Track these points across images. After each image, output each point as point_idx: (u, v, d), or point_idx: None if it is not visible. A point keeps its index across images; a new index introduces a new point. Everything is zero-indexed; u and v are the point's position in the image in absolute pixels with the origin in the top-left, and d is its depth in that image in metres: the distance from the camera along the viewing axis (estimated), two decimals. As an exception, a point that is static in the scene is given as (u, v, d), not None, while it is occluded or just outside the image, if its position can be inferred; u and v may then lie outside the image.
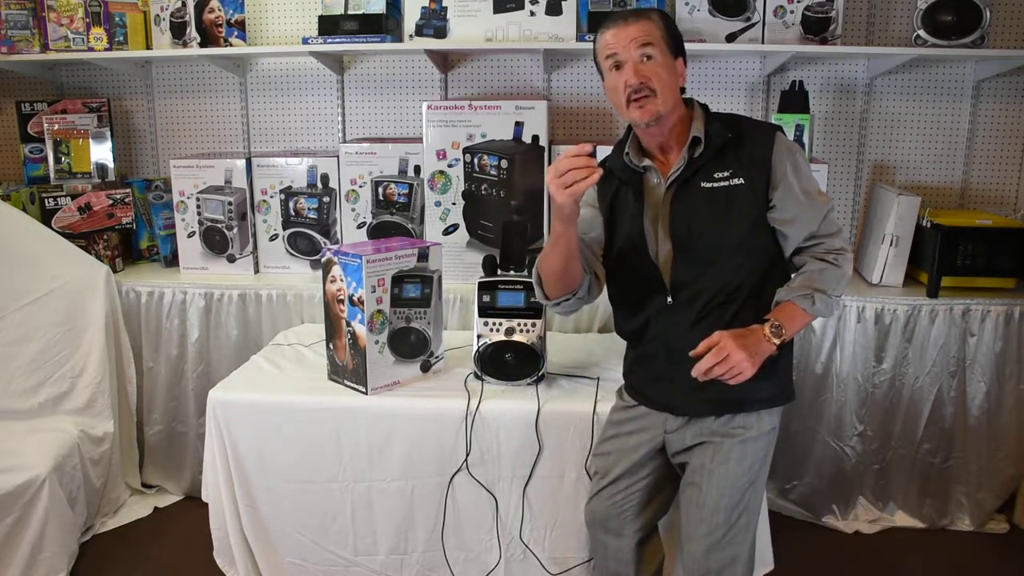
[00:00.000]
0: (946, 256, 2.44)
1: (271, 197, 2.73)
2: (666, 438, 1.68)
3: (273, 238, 2.76)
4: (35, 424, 2.42)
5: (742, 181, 1.53)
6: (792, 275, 1.62)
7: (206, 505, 2.12)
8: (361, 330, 1.97)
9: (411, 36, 2.62)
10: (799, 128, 2.50)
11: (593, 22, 2.53)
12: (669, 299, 1.61)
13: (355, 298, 1.97)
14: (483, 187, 2.56)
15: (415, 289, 2.05)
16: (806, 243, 1.59)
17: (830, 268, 1.56)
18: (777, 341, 1.49)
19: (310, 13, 2.83)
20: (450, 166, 2.57)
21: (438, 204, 2.61)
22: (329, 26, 2.59)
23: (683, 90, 1.61)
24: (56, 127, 2.84)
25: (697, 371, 1.45)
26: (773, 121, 2.52)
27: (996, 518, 2.59)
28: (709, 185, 1.54)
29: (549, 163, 2.54)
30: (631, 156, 1.64)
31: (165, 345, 2.67)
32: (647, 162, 1.62)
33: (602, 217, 1.71)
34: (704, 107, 1.63)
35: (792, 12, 2.51)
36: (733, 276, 1.56)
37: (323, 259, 2.06)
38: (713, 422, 1.61)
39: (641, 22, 1.53)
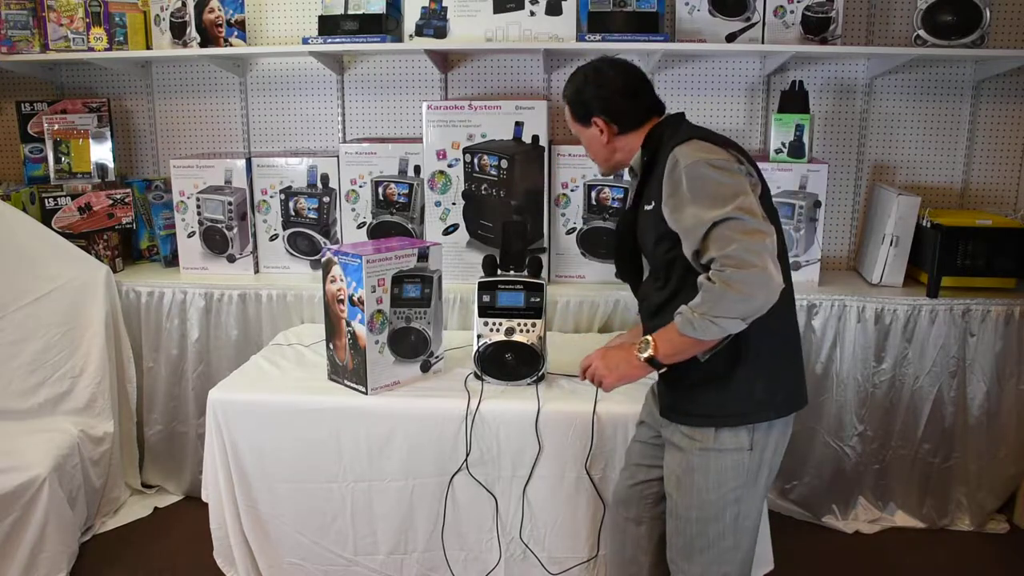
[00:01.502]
0: (946, 256, 2.44)
1: (271, 197, 2.73)
2: (661, 430, 1.69)
3: (273, 238, 2.76)
4: (35, 424, 2.42)
5: (653, 205, 1.56)
6: None
7: (206, 505, 2.12)
8: (361, 330, 1.97)
9: (411, 36, 2.62)
10: (799, 128, 2.50)
11: (593, 22, 2.53)
12: (639, 313, 1.74)
13: (355, 298, 1.97)
14: (483, 187, 2.56)
15: (415, 289, 2.05)
16: (703, 260, 1.43)
17: (704, 286, 1.39)
18: (642, 356, 1.50)
19: (310, 13, 2.83)
20: (450, 166, 2.57)
21: (438, 204, 2.61)
22: (329, 26, 2.59)
23: (630, 128, 1.65)
24: (56, 127, 2.84)
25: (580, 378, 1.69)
26: (772, 122, 2.53)
27: (996, 518, 2.59)
28: (647, 208, 1.60)
29: (549, 163, 2.55)
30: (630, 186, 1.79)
31: (165, 345, 2.67)
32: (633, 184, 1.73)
33: None
34: (656, 127, 1.64)
35: (792, 12, 2.51)
36: (673, 294, 1.56)
37: (323, 259, 2.06)
38: (680, 427, 1.60)
39: (565, 111, 1.74)
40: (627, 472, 1.82)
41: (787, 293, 1.56)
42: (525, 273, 2.11)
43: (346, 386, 2.07)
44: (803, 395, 1.65)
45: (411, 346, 2.08)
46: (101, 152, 2.89)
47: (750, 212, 1.39)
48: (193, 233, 2.73)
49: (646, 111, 1.66)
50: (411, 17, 2.61)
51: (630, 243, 1.72)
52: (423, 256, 2.05)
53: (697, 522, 1.58)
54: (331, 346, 2.10)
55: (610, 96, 1.65)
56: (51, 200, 2.70)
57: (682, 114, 1.68)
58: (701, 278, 1.42)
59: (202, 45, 2.70)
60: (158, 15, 2.75)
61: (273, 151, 2.96)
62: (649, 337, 1.51)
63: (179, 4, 2.70)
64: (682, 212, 1.45)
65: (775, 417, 1.57)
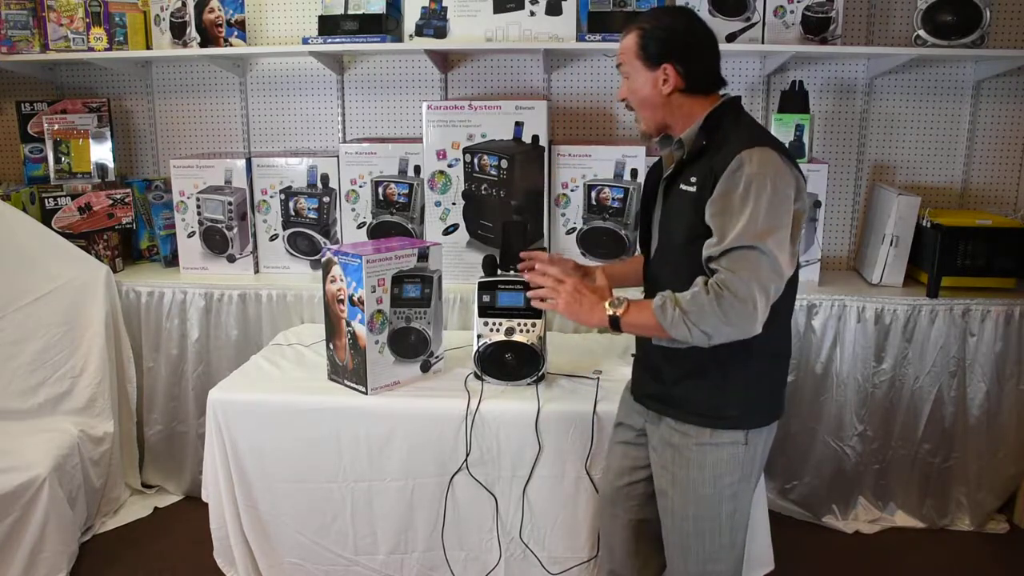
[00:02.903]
0: (946, 256, 2.44)
1: (271, 197, 2.73)
2: (647, 426, 1.69)
3: (273, 238, 2.76)
4: (35, 424, 2.42)
5: (695, 189, 1.49)
6: None
7: (206, 505, 2.12)
8: (361, 330, 1.97)
9: (411, 36, 2.63)
10: (799, 128, 2.50)
11: (593, 22, 2.53)
12: (644, 293, 1.69)
13: (355, 298, 1.97)
14: (483, 187, 2.56)
15: (415, 289, 2.05)
16: (711, 264, 1.42)
17: (700, 290, 1.39)
18: (609, 311, 1.47)
19: (310, 13, 2.83)
20: (450, 166, 2.57)
21: (438, 204, 2.61)
22: (329, 26, 2.59)
23: (695, 90, 1.53)
24: (56, 127, 2.84)
25: (530, 275, 1.62)
26: (772, 122, 2.53)
27: (996, 518, 2.59)
28: (684, 188, 1.52)
29: (549, 163, 2.55)
30: (659, 144, 1.64)
31: (165, 345, 2.67)
32: (662, 153, 1.64)
33: None
34: (717, 108, 1.54)
35: (792, 12, 2.51)
36: (684, 283, 1.48)
37: (323, 259, 2.06)
38: (673, 423, 1.59)
39: (623, 39, 1.56)
40: (611, 475, 1.80)
41: (787, 306, 1.57)
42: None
43: (346, 386, 2.07)
44: (783, 404, 1.66)
45: (411, 346, 2.08)
46: (101, 152, 2.89)
47: (779, 251, 1.39)
48: (193, 233, 2.73)
49: (715, 81, 1.55)
50: (411, 17, 2.61)
51: (651, 210, 1.66)
52: (423, 256, 2.05)
53: (694, 519, 1.57)
54: (331, 346, 2.10)
55: (693, 47, 1.51)
56: (51, 200, 2.70)
57: (739, 99, 1.58)
58: (700, 279, 1.41)
59: (202, 45, 2.70)
60: (158, 15, 2.75)
61: (273, 151, 2.96)
62: (626, 300, 1.49)
63: (179, 4, 2.70)
64: (724, 215, 1.41)
65: (765, 424, 1.58)
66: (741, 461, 1.56)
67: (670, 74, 1.51)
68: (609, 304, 1.48)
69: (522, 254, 1.88)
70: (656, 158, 1.71)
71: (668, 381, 1.58)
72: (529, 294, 1.59)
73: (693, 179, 1.49)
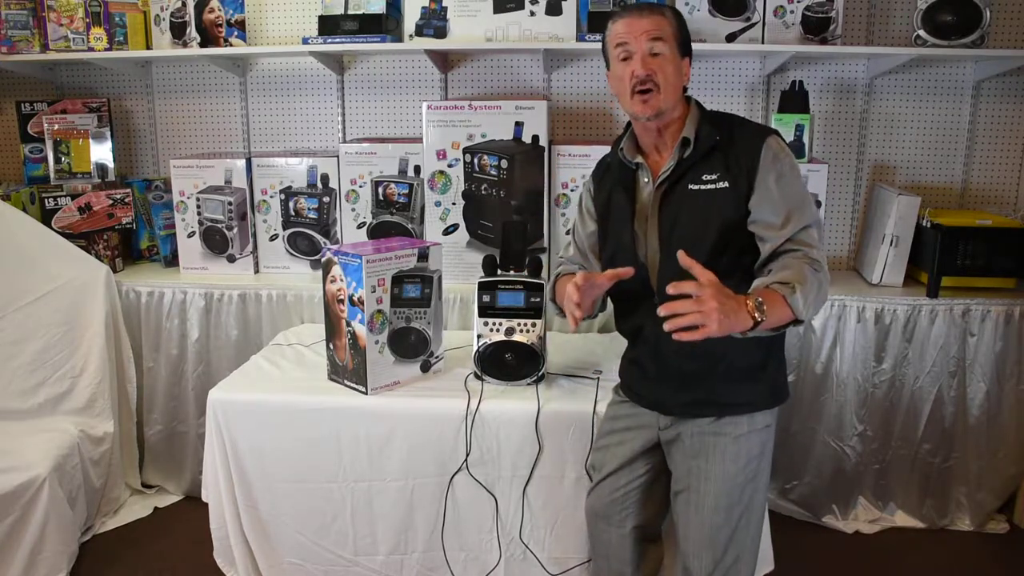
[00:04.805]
0: (946, 256, 2.44)
1: (271, 197, 2.73)
2: (660, 434, 1.69)
3: (273, 238, 2.76)
4: (35, 424, 2.42)
5: (727, 184, 1.51)
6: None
7: (206, 505, 2.12)
8: (361, 330, 1.97)
9: (411, 36, 2.63)
10: (799, 128, 2.50)
11: (593, 22, 2.53)
12: (656, 300, 1.58)
13: (355, 298, 1.97)
14: (483, 187, 2.56)
15: (415, 289, 2.05)
16: (783, 247, 1.48)
17: (811, 272, 1.42)
18: (756, 317, 1.33)
19: (310, 13, 2.83)
20: (450, 166, 2.57)
21: (438, 204, 2.61)
22: (329, 26, 2.59)
23: (685, 89, 1.63)
24: (56, 127, 2.84)
25: (666, 308, 1.32)
26: (773, 122, 2.53)
27: (996, 518, 2.59)
28: (697, 187, 1.54)
29: (549, 163, 2.55)
30: (625, 152, 1.66)
31: (165, 345, 2.67)
32: (639, 159, 1.65)
33: (595, 224, 1.75)
34: (699, 106, 1.64)
35: (792, 12, 2.51)
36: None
37: (323, 259, 2.06)
38: (703, 421, 1.61)
39: (655, 16, 1.57)
40: (603, 495, 1.77)
41: None
42: (525, 273, 2.11)
43: (346, 386, 2.07)
44: None
45: (411, 346, 2.08)
46: (101, 152, 2.89)
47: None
48: (193, 233, 2.73)
49: None
50: (411, 17, 2.61)
51: (625, 223, 1.64)
52: (423, 256, 2.05)
53: (724, 509, 1.58)
54: (331, 346, 2.10)
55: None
56: (51, 200, 2.70)
57: None
58: (791, 259, 1.45)
59: (202, 45, 2.70)
60: (158, 15, 2.75)
61: (273, 151, 2.96)
62: (763, 301, 1.35)
63: (179, 4, 2.70)
64: (783, 200, 1.48)
65: (785, 399, 1.65)
66: (767, 444, 1.62)
67: (687, 69, 1.61)
68: (756, 310, 1.34)
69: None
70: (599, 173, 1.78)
71: (703, 381, 1.59)
72: (667, 326, 1.32)
73: (712, 175, 1.52)
